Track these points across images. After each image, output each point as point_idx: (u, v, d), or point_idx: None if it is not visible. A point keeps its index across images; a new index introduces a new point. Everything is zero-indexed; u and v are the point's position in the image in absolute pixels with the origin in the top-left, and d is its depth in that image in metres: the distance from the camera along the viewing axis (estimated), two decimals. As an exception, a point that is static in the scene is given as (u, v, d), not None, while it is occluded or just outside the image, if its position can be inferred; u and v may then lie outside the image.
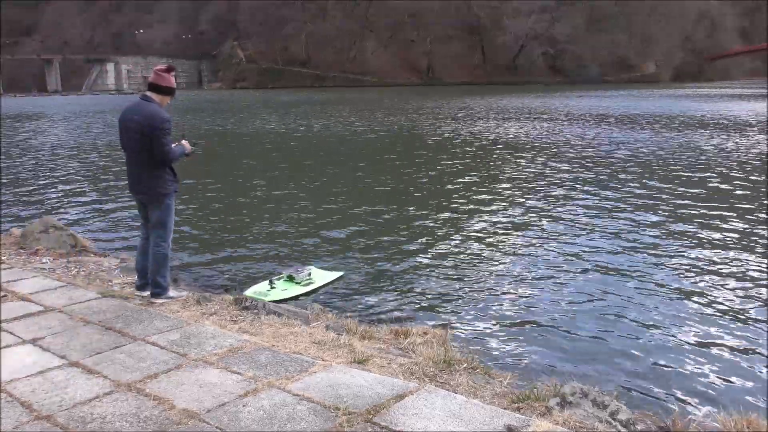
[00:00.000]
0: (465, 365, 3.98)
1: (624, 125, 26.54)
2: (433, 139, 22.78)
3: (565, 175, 13.80)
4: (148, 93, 4.97)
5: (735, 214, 9.80)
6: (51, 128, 31.69)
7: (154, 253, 5.05)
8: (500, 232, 9.06)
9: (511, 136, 22.91)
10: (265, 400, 3.31)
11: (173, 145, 4.98)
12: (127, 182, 5.20)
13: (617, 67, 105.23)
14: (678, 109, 36.90)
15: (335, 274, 6.96)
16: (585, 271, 7.15)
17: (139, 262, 5.27)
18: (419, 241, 8.60)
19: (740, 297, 6.24)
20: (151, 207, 5.06)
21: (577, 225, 9.29)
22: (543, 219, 9.74)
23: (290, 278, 6.57)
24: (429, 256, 7.84)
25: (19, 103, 66.76)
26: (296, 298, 6.20)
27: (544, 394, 3.46)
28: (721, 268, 7.12)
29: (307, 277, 6.62)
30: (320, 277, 6.79)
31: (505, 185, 12.84)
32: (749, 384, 4.56)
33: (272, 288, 6.30)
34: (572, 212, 10.15)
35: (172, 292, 5.20)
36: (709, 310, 5.92)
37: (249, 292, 6.15)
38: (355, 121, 31.88)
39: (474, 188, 12.60)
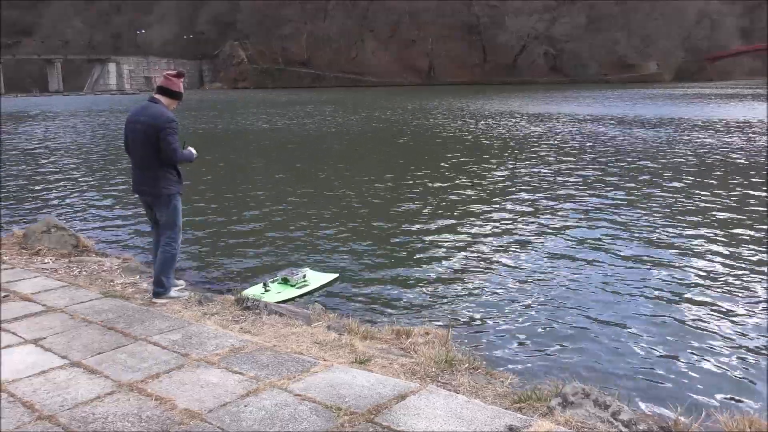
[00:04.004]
0: (467, 365, 3.98)
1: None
2: (432, 139, 22.78)
3: (567, 176, 13.80)
4: (156, 95, 5.08)
5: (737, 216, 9.79)
6: (53, 128, 31.72)
7: (163, 252, 5.09)
8: (501, 231, 9.06)
9: (513, 136, 22.90)
10: (267, 400, 3.31)
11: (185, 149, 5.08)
12: (130, 183, 5.26)
13: (617, 67, 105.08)
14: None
15: (331, 276, 6.93)
16: (587, 271, 7.14)
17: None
18: (417, 242, 8.60)
19: (741, 297, 6.24)
20: (157, 208, 5.12)
21: (579, 225, 9.29)
22: (544, 219, 9.73)
23: (285, 280, 6.54)
24: (428, 258, 7.83)
25: (21, 103, 66.80)
26: (291, 300, 6.16)
27: (545, 395, 3.45)
28: (721, 269, 7.12)
29: (302, 279, 6.57)
30: (316, 278, 6.76)
31: (505, 185, 12.84)
32: (751, 384, 4.56)
33: (266, 291, 6.25)
34: (574, 213, 10.14)
35: (173, 292, 5.21)
36: (711, 310, 5.92)
37: (243, 295, 6.13)
38: (352, 121, 31.88)
39: (474, 188, 12.60)
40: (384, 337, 4.59)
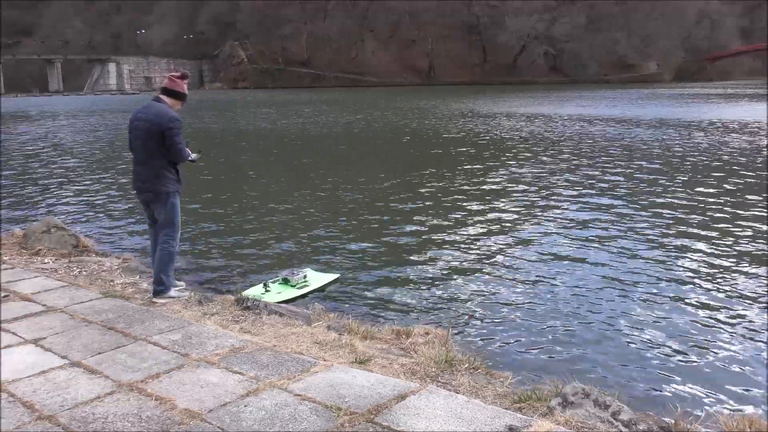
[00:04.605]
0: (466, 365, 3.98)
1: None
2: (432, 139, 22.78)
3: (567, 176, 13.80)
4: (161, 96, 5.18)
5: (737, 216, 9.79)
6: (53, 128, 31.71)
7: (161, 250, 5.12)
8: (501, 232, 9.06)
9: (513, 136, 22.90)
10: (267, 400, 3.31)
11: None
12: (130, 183, 5.31)
13: (617, 67, 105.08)
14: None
15: (332, 276, 6.92)
16: (587, 272, 7.14)
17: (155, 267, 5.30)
18: (418, 242, 8.60)
19: (741, 297, 6.24)
20: (156, 206, 5.16)
21: (578, 226, 9.29)
22: (545, 219, 9.73)
23: (285, 281, 6.53)
24: (428, 258, 7.83)
25: (21, 103, 66.78)
26: (291, 301, 6.15)
27: (545, 395, 3.46)
28: (722, 269, 7.12)
29: (303, 280, 6.56)
30: (316, 279, 6.75)
31: (506, 186, 12.84)
32: (751, 384, 4.56)
33: (267, 291, 6.25)
34: (575, 213, 10.14)
35: (173, 292, 5.21)
36: (711, 311, 5.92)
37: (243, 295, 6.12)
38: (352, 121, 31.88)
39: (474, 188, 12.60)
40: (384, 337, 4.59)
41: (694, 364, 4.87)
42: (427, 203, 11.14)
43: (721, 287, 6.52)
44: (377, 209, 10.74)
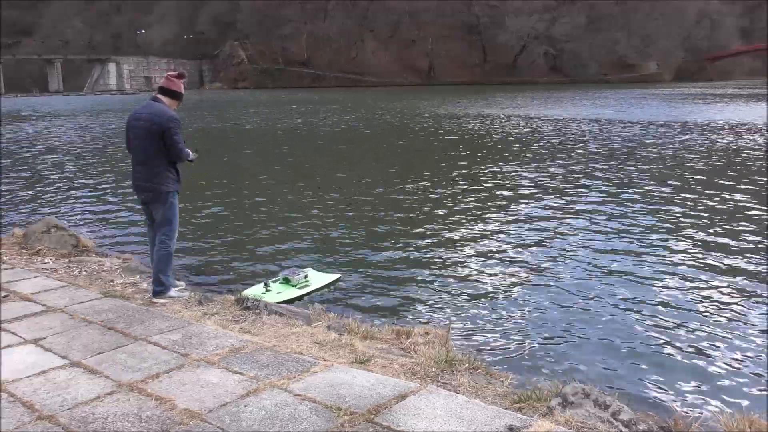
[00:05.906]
0: (467, 365, 3.98)
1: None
2: (433, 140, 22.78)
3: (566, 177, 13.80)
4: (158, 95, 5.19)
5: (738, 217, 9.79)
6: (53, 128, 31.71)
7: (159, 250, 5.13)
8: (501, 232, 9.06)
9: (513, 137, 22.90)
10: (267, 400, 3.31)
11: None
12: (130, 183, 5.36)
13: (617, 67, 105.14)
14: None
15: (332, 276, 6.91)
16: (587, 271, 7.14)
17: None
18: (418, 242, 8.59)
19: (741, 297, 6.23)
20: (155, 206, 5.17)
21: (579, 226, 9.29)
22: (545, 219, 9.73)
23: (286, 280, 6.52)
24: (429, 258, 7.83)
25: (21, 103, 66.78)
26: (291, 301, 6.14)
27: (545, 395, 3.46)
28: (722, 269, 7.12)
29: (303, 280, 6.55)
30: (317, 279, 6.74)
31: (506, 186, 12.83)
32: (751, 384, 4.56)
33: (267, 291, 6.24)
34: (575, 213, 10.14)
35: (173, 292, 5.21)
36: (711, 311, 5.92)
37: (243, 294, 6.12)
38: (353, 122, 31.88)
39: (474, 189, 12.59)
40: (384, 337, 4.59)
41: (694, 364, 4.87)
42: (428, 203, 11.14)
43: (721, 287, 6.52)
44: (378, 209, 10.74)
